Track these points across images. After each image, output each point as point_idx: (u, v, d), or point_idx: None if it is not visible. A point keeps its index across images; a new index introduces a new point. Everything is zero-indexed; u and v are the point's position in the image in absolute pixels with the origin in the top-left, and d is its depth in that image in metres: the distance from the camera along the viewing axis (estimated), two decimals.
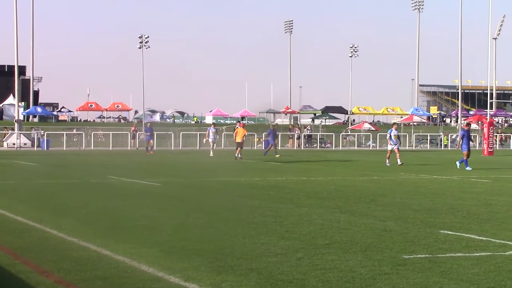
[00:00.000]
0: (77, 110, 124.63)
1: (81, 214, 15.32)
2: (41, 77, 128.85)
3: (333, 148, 64.90)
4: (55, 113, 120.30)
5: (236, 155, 40.72)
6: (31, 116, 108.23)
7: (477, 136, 71.48)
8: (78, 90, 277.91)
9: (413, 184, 24.32)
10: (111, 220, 14.36)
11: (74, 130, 71.69)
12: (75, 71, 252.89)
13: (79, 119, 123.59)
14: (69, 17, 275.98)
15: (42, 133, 61.16)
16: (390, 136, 36.13)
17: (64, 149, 57.62)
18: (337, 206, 16.89)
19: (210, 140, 46.32)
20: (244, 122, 59.33)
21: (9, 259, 10.23)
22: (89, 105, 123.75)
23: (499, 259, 10.36)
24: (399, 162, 34.86)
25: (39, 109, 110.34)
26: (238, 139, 41.42)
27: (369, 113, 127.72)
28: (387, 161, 35.62)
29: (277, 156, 44.07)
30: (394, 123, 46.20)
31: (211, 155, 44.77)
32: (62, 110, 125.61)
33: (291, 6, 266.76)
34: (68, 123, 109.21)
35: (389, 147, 36.12)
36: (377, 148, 66.79)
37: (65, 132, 64.09)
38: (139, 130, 64.33)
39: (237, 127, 43.34)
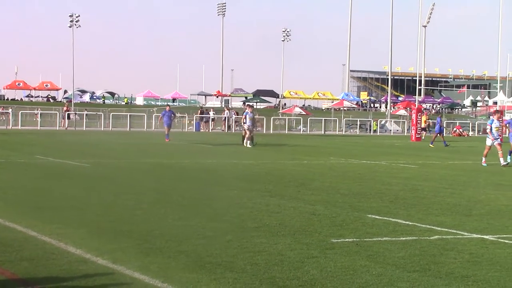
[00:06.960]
0: (4, 89, 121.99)
1: (7, 194, 15.04)
2: None
3: (264, 132, 65.02)
4: None
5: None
6: None
7: (406, 122, 72.77)
8: (5, 68, 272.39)
9: (342, 168, 24.55)
10: (38, 200, 14.12)
11: (1, 108, 70.20)
12: (2, 48, 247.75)
13: (6, 98, 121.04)
14: None
15: None
16: (491, 128, 27.45)
17: None
18: (267, 190, 16.94)
19: (246, 126, 37.52)
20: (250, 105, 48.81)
21: None
22: (17, 83, 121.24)
23: (424, 243, 10.54)
24: (502, 162, 26.73)
25: None
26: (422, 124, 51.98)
27: (300, 98, 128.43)
28: (483, 159, 27.20)
29: (431, 146, 42.41)
30: (496, 111, 31.31)
31: (248, 146, 36.67)
32: None
33: None
34: None
35: (488, 142, 27.23)
36: (308, 132, 67.34)
37: None
38: (70, 110, 63.36)
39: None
